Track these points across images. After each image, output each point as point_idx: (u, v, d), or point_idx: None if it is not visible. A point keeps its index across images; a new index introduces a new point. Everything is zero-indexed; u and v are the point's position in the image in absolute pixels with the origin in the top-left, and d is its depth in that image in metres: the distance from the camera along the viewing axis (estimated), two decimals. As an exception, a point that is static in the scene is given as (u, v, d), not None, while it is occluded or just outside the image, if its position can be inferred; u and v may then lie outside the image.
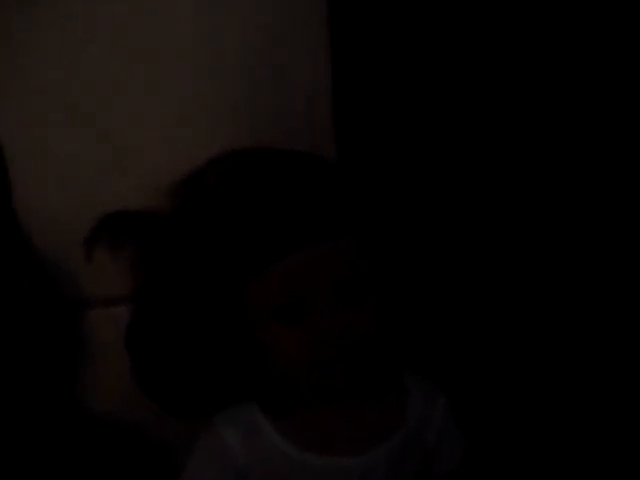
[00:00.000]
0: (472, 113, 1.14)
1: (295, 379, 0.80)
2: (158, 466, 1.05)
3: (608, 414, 1.19)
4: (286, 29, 1.02)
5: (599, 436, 1.17)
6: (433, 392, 0.89)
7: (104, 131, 1.02)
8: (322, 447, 0.82)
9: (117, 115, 1.02)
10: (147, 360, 0.84)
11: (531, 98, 1.15)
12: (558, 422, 1.18)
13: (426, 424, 0.87)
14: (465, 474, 0.91)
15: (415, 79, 1.10)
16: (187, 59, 1.02)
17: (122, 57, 1.01)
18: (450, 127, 1.12)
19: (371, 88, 1.10)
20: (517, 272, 1.16)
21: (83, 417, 1.04)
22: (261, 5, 1.01)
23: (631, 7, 1.14)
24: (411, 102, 1.11)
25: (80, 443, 1.02)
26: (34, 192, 1.03)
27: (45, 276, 1.05)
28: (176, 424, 0.87)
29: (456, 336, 1.10)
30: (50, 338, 1.04)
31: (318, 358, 0.77)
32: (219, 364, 0.82)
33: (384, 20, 1.11)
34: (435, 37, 1.10)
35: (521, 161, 1.15)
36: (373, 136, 1.08)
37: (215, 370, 0.82)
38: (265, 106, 1.03)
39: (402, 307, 0.86)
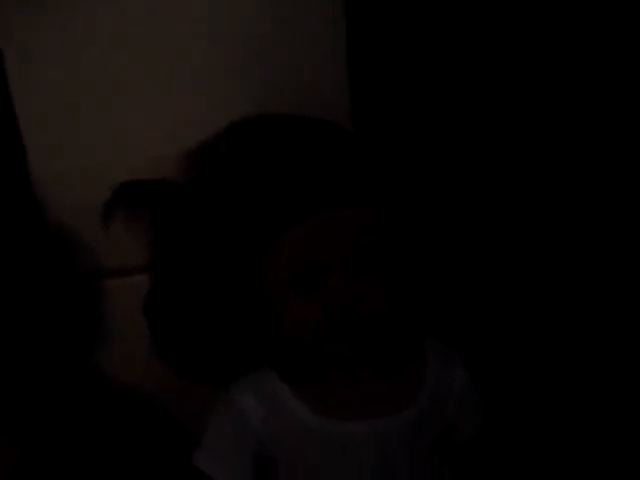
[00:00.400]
0: (491, 90, 1.13)
1: (310, 346, 0.80)
2: (176, 436, 1.05)
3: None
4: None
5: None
6: (453, 360, 0.88)
7: (121, 100, 1.01)
8: (339, 414, 0.82)
9: (134, 85, 1.01)
10: (165, 328, 0.85)
11: (545, 85, 1.14)
12: (575, 399, 1.18)
13: (445, 392, 0.86)
14: (484, 441, 0.91)
15: (431, 55, 1.09)
16: (202, 29, 1.01)
17: (138, 26, 1.00)
18: (468, 103, 1.11)
19: (387, 56, 1.09)
20: (537, 236, 1.16)
21: (100, 386, 1.05)
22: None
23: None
24: (427, 74, 1.10)
25: (97, 412, 1.03)
26: (50, 163, 1.02)
27: (62, 247, 1.05)
28: (193, 393, 0.87)
29: (475, 305, 1.09)
30: (67, 309, 1.05)
31: (332, 325, 0.77)
32: (236, 331, 0.82)
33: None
34: (452, 19, 1.10)
35: (531, 134, 1.15)
36: (389, 103, 1.07)
37: (232, 337, 0.82)
38: (279, 75, 1.02)
39: (421, 277, 0.86)
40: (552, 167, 1.16)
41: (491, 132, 1.13)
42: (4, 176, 1.05)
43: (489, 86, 1.13)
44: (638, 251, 1.20)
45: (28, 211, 1.04)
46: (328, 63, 1.02)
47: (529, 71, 1.14)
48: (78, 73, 1.00)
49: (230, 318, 0.81)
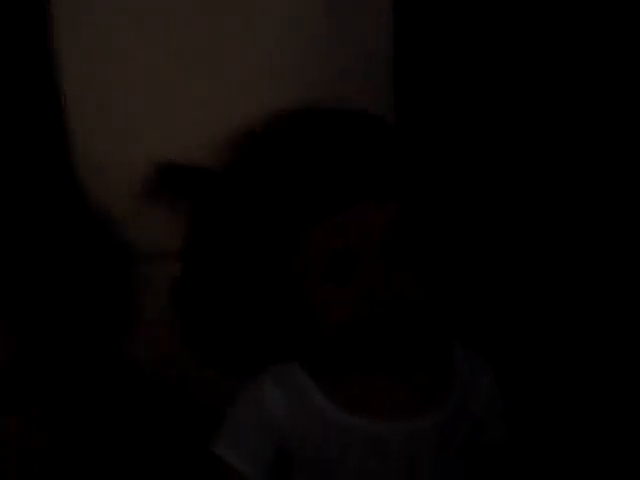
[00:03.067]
0: (537, 91, 1.12)
1: (340, 339, 0.79)
2: (201, 422, 1.05)
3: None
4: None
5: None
6: (480, 365, 0.87)
7: (162, 85, 1.02)
8: (366, 413, 0.81)
9: (181, 72, 1.02)
10: (194, 316, 0.85)
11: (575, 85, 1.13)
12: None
13: (473, 396, 0.85)
14: (511, 448, 0.90)
15: (480, 48, 1.09)
16: (251, 17, 1.01)
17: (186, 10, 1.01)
18: (514, 101, 1.11)
19: (433, 56, 1.08)
20: (567, 241, 1.15)
21: (131, 370, 1.06)
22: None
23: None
24: (475, 71, 1.09)
25: (127, 397, 1.03)
26: (91, 146, 1.03)
27: (100, 232, 1.06)
28: (219, 381, 0.87)
29: (506, 310, 1.08)
30: (104, 294, 1.05)
31: (363, 317, 0.76)
32: (266, 322, 0.82)
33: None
34: (495, 25, 1.09)
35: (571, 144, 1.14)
36: (432, 100, 1.07)
37: (261, 328, 0.82)
38: (326, 68, 1.02)
39: (451, 276, 0.85)
40: (583, 177, 1.15)
41: (531, 133, 1.13)
42: (45, 159, 1.06)
43: (532, 89, 1.12)
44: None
45: (69, 195, 1.05)
46: (374, 61, 1.02)
47: (568, 68, 1.13)
48: (125, 57, 1.01)
49: (261, 307, 0.81)
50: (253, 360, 0.84)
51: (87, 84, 1.02)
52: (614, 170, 1.16)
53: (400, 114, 1.01)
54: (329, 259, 0.76)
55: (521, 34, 1.10)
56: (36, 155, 1.06)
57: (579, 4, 1.11)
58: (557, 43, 1.12)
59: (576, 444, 1.11)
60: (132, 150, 1.02)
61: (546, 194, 1.13)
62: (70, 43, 1.00)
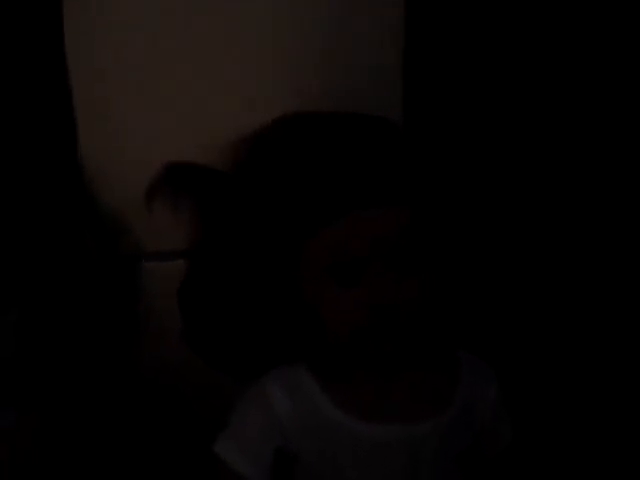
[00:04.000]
0: (543, 96, 1.12)
1: (345, 343, 0.79)
2: (200, 421, 1.05)
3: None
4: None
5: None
6: (486, 372, 0.87)
7: (168, 86, 1.02)
8: (369, 415, 0.81)
9: (187, 76, 1.02)
10: (200, 317, 0.85)
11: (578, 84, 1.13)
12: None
13: (477, 403, 0.85)
14: (514, 456, 0.89)
15: (489, 55, 1.09)
16: (267, 19, 1.01)
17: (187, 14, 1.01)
18: (522, 106, 1.10)
19: (443, 62, 1.08)
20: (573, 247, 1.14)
21: (133, 370, 1.06)
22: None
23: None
24: (484, 77, 1.09)
25: (130, 393, 1.03)
26: (99, 147, 1.03)
27: (107, 233, 1.06)
28: (223, 380, 0.87)
29: (511, 316, 1.08)
30: (111, 292, 1.05)
31: (367, 322, 0.76)
32: (271, 325, 0.81)
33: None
34: (501, 33, 1.09)
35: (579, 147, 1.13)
36: (440, 105, 1.07)
37: (266, 331, 0.82)
38: (335, 72, 1.02)
39: (457, 282, 0.85)
40: (590, 184, 1.15)
41: (538, 139, 1.12)
42: (54, 160, 1.06)
43: (538, 97, 1.12)
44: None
45: (76, 194, 1.05)
46: (385, 65, 1.02)
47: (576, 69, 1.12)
48: (132, 63, 1.01)
49: (267, 309, 0.81)
50: (259, 362, 0.84)
51: (95, 88, 1.02)
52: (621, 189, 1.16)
53: (409, 119, 1.01)
54: (335, 262, 0.76)
55: (528, 40, 1.10)
56: (46, 156, 1.06)
57: (582, 13, 1.11)
58: (564, 53, 1.11)
59: (577, 451, 1.10)
60: (139, 151, 1.02)
61: (554, 198, 1.12)
62: (80, 50, 1.00)
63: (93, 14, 1.00)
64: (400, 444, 0.81)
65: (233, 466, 0.81)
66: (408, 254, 0.77)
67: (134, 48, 1.01)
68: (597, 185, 1.16)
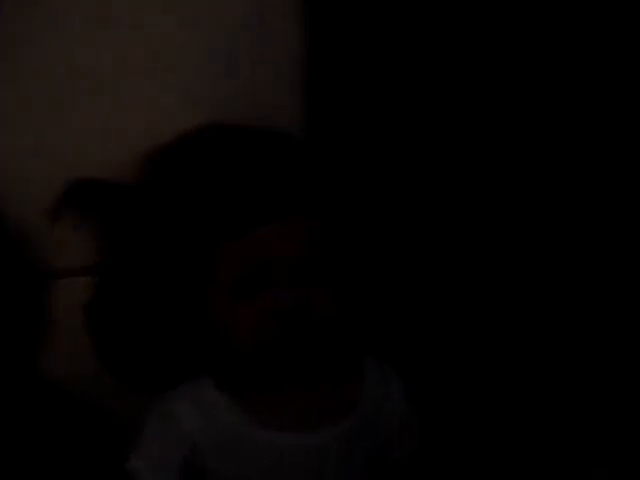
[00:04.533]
0: (452, 98, 1.12)
1: (249, 354, 0.80)
2: (114, 437, 1.05)
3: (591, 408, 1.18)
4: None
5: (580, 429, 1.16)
6: (390, 378, 0.89)
7: (74, 102, 1.01)
8: (276, 425, 0.82)
9: (89, 87, 1.01)
10: (107, 332, 0.85)
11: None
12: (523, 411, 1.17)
13: (381, 410, 0.87)
14: (420, 461, 0.91)
15: (393, 62, 1.09)
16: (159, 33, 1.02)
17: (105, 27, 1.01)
18: (428, 114, 1.11)
19: (347, 73, 1.09)
20: (481, 252, 1.15)
21: (43, 386, 1.04)
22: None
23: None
24: (389, 86, 1.10)
25: (38, 411, 1.02)
26: (4, 162, 1.02)
27: (15, 248, 1.04)
28: (135, 395, 0.87)
29: (418, 323, 1.09)
30: (16, 308, 1.04)
31: (271, 334, 0.77)
32: (178, 339, 0.82)
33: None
34: (414, 16, 1.09)
35: (491, 142, 1.13)
36: (345, 117, 1.07)
37: (174, 345, 0.83)
38: (237, 83, 1.03)
39: (362, 291, 0.87)
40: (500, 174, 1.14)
41: (438, 149, 1.13)
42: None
43: (442, 106, 1.12)
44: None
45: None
46: (286, 74, 1.03)
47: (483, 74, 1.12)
48: (39, 73, 1.00)
49: (172, 324, 0.82)
50: (166, 376, 0.84)
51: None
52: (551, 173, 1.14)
53: (312, 129, 1.02)
54: (237, 276, 0.77)
55: (437, 40, 1.09)
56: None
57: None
58: (479, 43, 1.10)
59: (488, 456, 1.12)
60: (45, 166, 1.01)
61: (466, 210, 1.12)
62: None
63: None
64: (304, 452, 0.82)
65: None
66: (312, 265, 0.79)
67: (42, 60, 1.00)
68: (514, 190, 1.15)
